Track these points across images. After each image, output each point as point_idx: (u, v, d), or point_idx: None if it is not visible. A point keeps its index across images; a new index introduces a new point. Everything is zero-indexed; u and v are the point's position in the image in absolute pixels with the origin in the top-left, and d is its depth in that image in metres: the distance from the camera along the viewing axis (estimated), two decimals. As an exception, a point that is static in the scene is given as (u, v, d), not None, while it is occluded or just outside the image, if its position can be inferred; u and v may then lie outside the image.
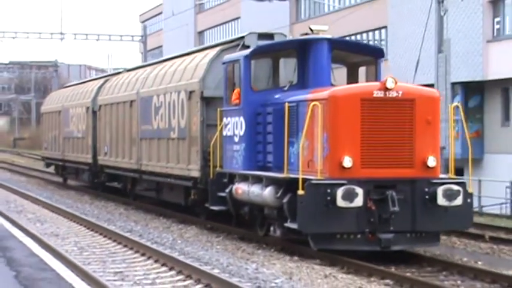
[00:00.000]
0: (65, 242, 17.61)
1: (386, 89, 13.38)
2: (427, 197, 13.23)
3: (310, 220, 13.20)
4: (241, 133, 16.68)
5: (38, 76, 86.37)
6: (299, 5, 55.04)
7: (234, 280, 12.43)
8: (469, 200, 13.35)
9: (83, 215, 22.19)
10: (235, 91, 17.29)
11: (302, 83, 16.52)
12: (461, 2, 40.52)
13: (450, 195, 12.80)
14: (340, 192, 12.59)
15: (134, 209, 25.09)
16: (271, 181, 15.02)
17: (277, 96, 16.37)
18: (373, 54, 17.22)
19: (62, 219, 22.62)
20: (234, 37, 21.47)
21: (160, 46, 76.96)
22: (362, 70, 17.63)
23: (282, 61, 17.53)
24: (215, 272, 13.07)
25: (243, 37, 19.58)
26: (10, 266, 13.23)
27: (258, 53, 16.90)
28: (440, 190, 12.99)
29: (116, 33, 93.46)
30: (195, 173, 19.47)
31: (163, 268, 13.03)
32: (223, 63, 17.96)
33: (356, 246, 13.61)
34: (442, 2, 30.08)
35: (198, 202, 19.86)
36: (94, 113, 28.95)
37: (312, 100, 14.23)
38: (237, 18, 63.13)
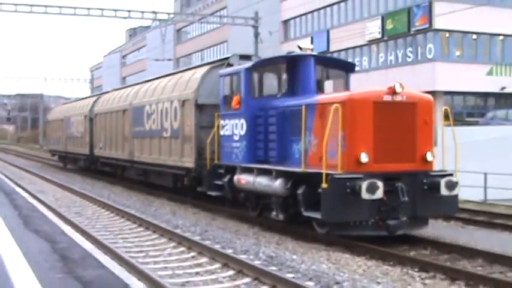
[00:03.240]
0: (47, 196, 20.54)
1: (394, 94, 11.56)
2: (425, 187, 11.75)
3: (333, 211, 11.21)
4: (242, 133, 14.47)
5: (31, 102, 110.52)
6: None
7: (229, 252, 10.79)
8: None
9: (63, 182, 25.05)
10: (235, 98, 14.94)
11: (291, 91, 14.47)
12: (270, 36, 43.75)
13: (450, 186, 11.70)
14: (365, 185, 10.80)
15: (123, 190, 23.97)
16: (281, 174, 12.86)
17: (276, 102, 14.15)
18: (346, 68, 15.41)
19: (48, 184, 25.74)
20: (220, 58, 19.27)
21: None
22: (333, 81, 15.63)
23: (274, 73, 15.22)
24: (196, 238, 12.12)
25: (227, 58, 17.62)
26: (15, 208, 16.72)
27: (257, 66, 14.69)
28: (443, 182, 11.66)
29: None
30: (190, 164, 17.59)
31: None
32: (221, 75, 15.66)
33: (366, 232, 11.63)
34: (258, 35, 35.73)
35: (189, 186, 18.36)
36: (91, 119, 29.65)
37: (325, 103, 12.04)
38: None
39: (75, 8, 35.63)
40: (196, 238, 12.13)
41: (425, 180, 11.70)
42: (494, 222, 14.91)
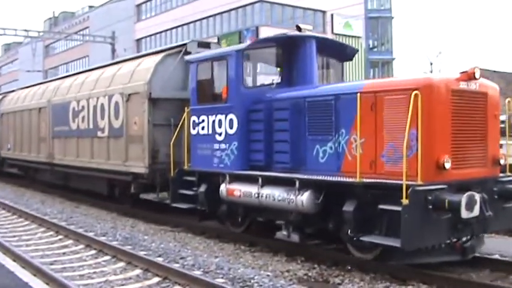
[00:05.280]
0: None
1: (470, 80, 7.72)
2: (495, 196, 8.00)
3: (414, 235, 7.05)
4: (231, 131, 10.02)
5: None
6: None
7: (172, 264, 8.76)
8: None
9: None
10: (220, 88, 10.51)
11: (288, 80, 10.35)
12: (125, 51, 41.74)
13: None
14: (464, 200, 6.93)
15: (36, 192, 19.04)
16: (307, 184, 8.50)
17: (281, 92, 9.76)
18: (342, 56, 11.31)
19: None
20: (175, 44, 14.16)
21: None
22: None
23: (271, 58, 10.88)
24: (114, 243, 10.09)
25: (184, 44, 13.19)
26: None
27: (252, 48, 10.18)
28: None
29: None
30: (140, 169, 12.86)
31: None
32: (191, 62, 11.06)
33: (442, 258, 7.86)
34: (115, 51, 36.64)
35: (134, 194, 14.07)
36: (-4, 120, 22.43)
37: (382, 91, 7.86)
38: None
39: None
40: (63, 223, 12.22)
41: (495, 188, 8.17)
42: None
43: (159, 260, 8.67)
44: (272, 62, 10.60)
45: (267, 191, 9.07)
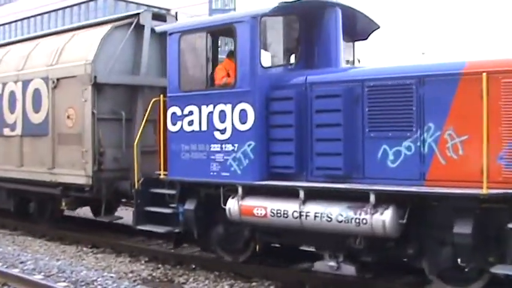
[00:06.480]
0: None
1: None
2: None
3: None
4: (244, 127, 7.24)
5: None
6: None
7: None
8: None
9: None
10: (222, 69, 7.82)
11: (305, 60, 7.97)
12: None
13: None
14: None
15: None
16: (387, 199, 6.22)
17: (330, 75, 7.17)
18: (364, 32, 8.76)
19: None
20: (123, 14, 10.70)
21: None
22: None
23: (285, 31, 8.14)
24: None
25: (136, 14, 10.06)
26: None
27: (271, 14, 7.42)
28: None
29: None
30: (77, 179, 9.65)
31: None
32: (172, 33, 8.07)
33: None
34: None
35: (58, 211, 10.86)
36: None
37: (491, 72, 5.77)
38: None
39: None
40: None
41: None
42: None
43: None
44: (289, 37, 7.98)
45: (314, 208, 6.53)
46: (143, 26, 9.76)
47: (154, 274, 8.09)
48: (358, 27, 8.40)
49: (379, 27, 8.54)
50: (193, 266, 8.31)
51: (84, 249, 9.75)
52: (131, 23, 9.69)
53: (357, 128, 6.67)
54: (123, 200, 10.27)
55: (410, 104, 6.26)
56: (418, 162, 6.23)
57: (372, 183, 6.46)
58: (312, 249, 7.36)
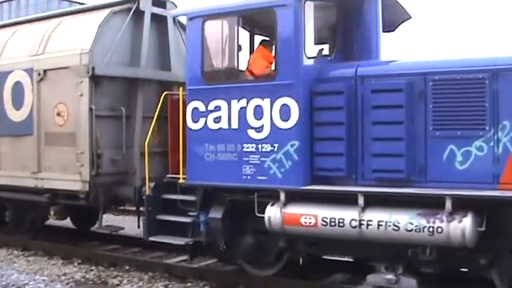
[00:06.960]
0: None
1: None
2: None
3: None
4: (287, 124, 6.50)
5: None
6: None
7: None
8: None
9: None
10: (258, 56, 7.14)
11: (342, 52, 7.31)
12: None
13: None
14: None
15: None
16: (465, 205, 5.63)
17: (388, 67, 6.63)
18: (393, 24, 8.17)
19: None
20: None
21: None
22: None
23: (324, 19, 7.30)
24: None
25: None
26: None
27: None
28: None
29: None
30: (71, 185, 8.53)
31: None
32: (192, 18, 7.12)
33: None
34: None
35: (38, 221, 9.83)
36: None
37: None
38: None
39: None
40: None
41: None
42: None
43: None
44: (326, 25, 7.28)
45: (377, 216, 5.85)
46: (143, 12, 8.71)
47: (87, 276, 8.02)
48: (387, 17, 7.74)
49: (410, 18, 7.95)
50: (127, 267, 8.31)
51: (15, 252, 9.49)
52: (130, 9, 8.61)
53: (419, 126, 6.03)
54: (121, 208, 9.16)
55: (483, 100, 5.72)
56: (491, 163, 5.70)
57: (436, 186, 5.87)
58: (336, 258, 6.54)
